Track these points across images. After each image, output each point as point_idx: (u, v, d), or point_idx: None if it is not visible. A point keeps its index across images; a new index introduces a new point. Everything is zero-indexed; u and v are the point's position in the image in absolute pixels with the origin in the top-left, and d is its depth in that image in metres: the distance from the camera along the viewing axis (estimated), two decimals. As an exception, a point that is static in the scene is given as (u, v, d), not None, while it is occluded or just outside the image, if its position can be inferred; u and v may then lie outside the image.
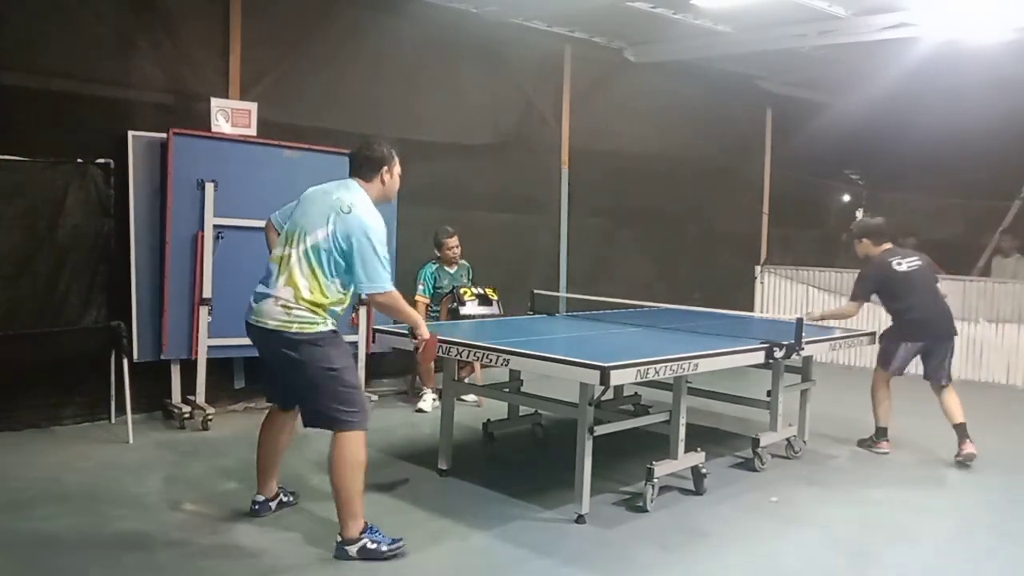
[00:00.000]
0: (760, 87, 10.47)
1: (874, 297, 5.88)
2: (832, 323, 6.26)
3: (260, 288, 3.80)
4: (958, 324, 5.89)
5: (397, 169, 3.95)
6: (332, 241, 3.69)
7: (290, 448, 4.23)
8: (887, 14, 7.10)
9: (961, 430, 5.58)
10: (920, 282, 5.72)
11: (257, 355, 4.05)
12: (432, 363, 4.27)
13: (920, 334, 5.68)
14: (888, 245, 5.83)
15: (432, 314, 6.85)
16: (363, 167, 3.87)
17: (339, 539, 3.71)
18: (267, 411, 4.19)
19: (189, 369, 6.03)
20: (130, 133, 5.87)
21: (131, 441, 5.44)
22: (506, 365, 4.42)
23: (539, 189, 8.93)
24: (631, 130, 9.67)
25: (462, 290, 6.70)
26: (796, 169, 11.50)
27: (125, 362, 5.56)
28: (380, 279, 3.70)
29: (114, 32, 5.99)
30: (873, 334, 5.99)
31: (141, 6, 6.11)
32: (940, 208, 11.76)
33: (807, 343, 5.04)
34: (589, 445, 4.22)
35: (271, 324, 3.71)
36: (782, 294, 10.45)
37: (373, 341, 6.36)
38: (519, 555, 3.88)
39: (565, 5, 7.58)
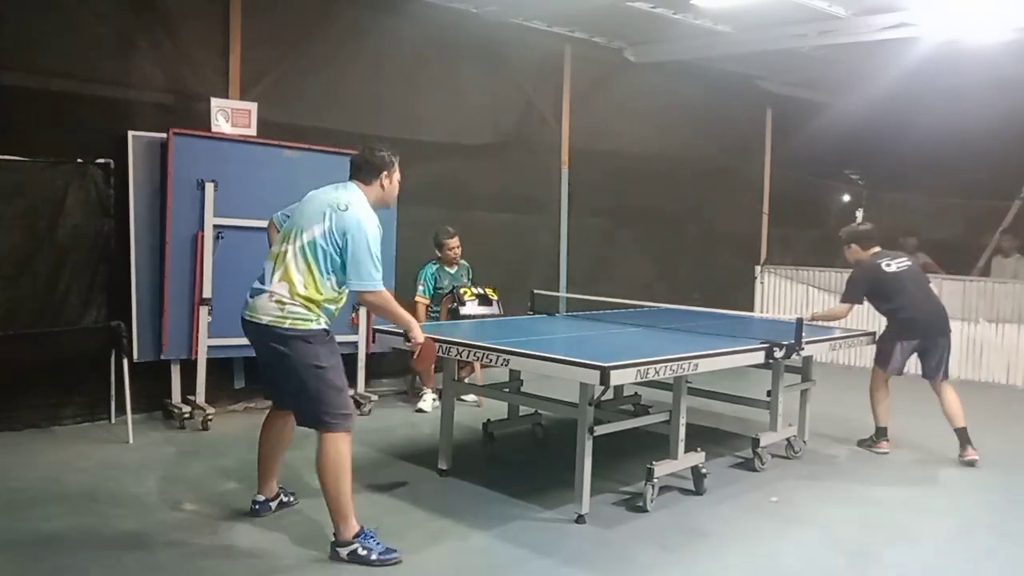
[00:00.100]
0: (760, 87, 10.47)
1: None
2: (831, 323, 6.26)
3: (256, 284, 3.82)
4: (958, 324, 5.93)
5: (397, 175, 3.96)
6: (328, 237, 3.69)
7: (290, 448, 4.23)
8: (887, 14, 7.10)
9: (963, 435, 5.60)
10: (910, 282, 5.76)
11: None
12: (432, 364, 4.26)
13: (914, 332, 5.71)
14: (876, 249, 5.89)
15: (432, 314, 6.85)
16: (363, 170, 3.89)
17: (333, 540, 3.72)
18: (267, 411, 4.19)
19: (189, 369, 6.03)
20: (130, 133, 5.87)
21: (131, 441, 5.44)
22: (506, 365, 4.42)
23: (539, 189, 8.93)
24: (631, 130, 9.67)
25: (462, 290, 6.70)
26: (796, 169, 11.50)
27: (125, 362, 5.56)
28: (371, 278, 3.70)
29: (114, 32, 5.99)
30: (873, 334, 6.00)
31: (141, 6, 6.11)
32: (940, 208, 11.75)
33: (807, 343, 5.04)
34: (589, 445, 4.22)
35: (265, 319, 3.71)
36: (782, 294, 10.45)
37: (373, 341, 6.37)
38: (519, 555, 3.88)
39: (565, 5, 7.58)
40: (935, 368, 5.71)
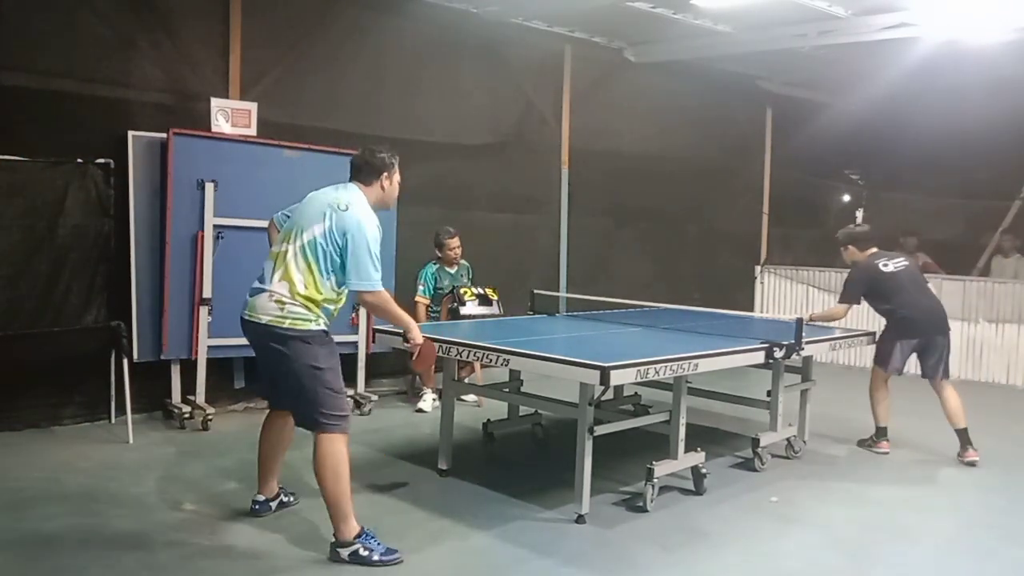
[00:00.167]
0: (760, 87, 10.47)
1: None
2: (830, 324, 6.26)
3: (255, 284, 3.82)
4: (958, 324, 5.93)
5: (397, 177, 3.97)
6: (328, 237, 3.70)
7: (290, 448, 4.23)
8: (887, 14, 7.10)
9: (963, 436, 5.61)
10: (908, 281, 5.78)
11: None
12: (431, 365, 4.26)
13: (913, 331, 5.72)
14: (874, 250, 5.91)
15: (432, 314, 6.85)
16: (363, 172, 3.90)
17: (333, 540, 3.71)
18: (267, 411, 4.19)
19: (189, 369, 6.03)
20: (130, 133, 5.87)
21: (131, 441, 5.44)
22: (506, 365, 4.42)
23: (539, 189, 8.93)
24: (631, 130, 9.67)
25: (462, 290, 6.70)
26: (796, 169, 11.49)
27: (125, 362, 5.56)
28: (370, 278, 3.71)
29: (114, 32, 5.99)
30: (872, 334, 6.00)
31: (141, 6, 6.11)
32: (940, 208, 11.75)
33: (807, 343, 5.04)
34: (589, 445, 4.22)
35: (264, 319, 3.71)
36: (782, 294, 10.45)
37: (373, 341, 6.37)
38: (519, 555, 3.88)
39: (565, 5, 7.58)
40: (934, 367, 5.71)
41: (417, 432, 6.04)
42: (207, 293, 5.94)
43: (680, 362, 4.30)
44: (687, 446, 4.76)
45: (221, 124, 6.10)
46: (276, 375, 3.82)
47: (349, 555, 3.66)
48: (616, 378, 3.93)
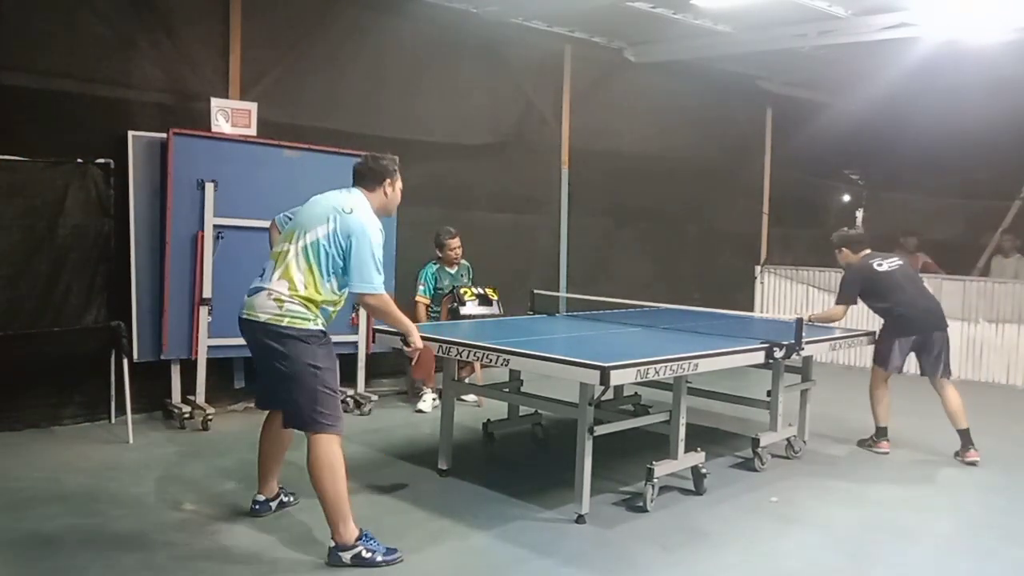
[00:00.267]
0: (760, 87, 10.47)
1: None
2: (830, 324, 6.27)
3: (255, 283, 3.82)
4: (958, 324, 5.94)
5: (399, 184, 4.00)
6: (332, 239, 3.70)
7: (291, 448, 4.23)
8: (887, 14, 7.11)
9: (965, 437, 5.61)
10: (903, 279, 5.82)
11: (255, 355, 4.05)
12: (430, 373, 4.26)
13: (911, 329, 5.73)
14: (867, 251, 5.95)
15: (432, 314, 6.85)
16: (367, 178, 3.93)
17: (332, 544, 3.69)
18: (267, 411, 4.18)
19: (189, 369, 6.03)
20: (130, 133, 5.87)
21: (131, 441, 5.44)
22: (506, 365, 4.42)
23: (539, 189, 8.93)
24: (631, 130, 9.67)
25: (462, 290, 6.70)
26: (796, 169, 11.50)
27: (125, 362, 5.56)
28: (373, 281, 3.72)
29: (114, 32, 5.99)
30: (872, 334, 6.01)
31: (141, 6, 6.11)
32: (940, 208, 11.75)
33: (807, 343, 5.04)
34: (589, 445, 4.22)
35: (262, 317, 3.71)
36: (782, 294, 10.45)
37: (373, 341, 6.37)
38: (519, 555, 3.88)
39: (565, 5, 7.58)
40: (934, 364, 5.71)
41: (417, 432, 6.04)
42: (207, 293, 5.94)
43: (680, 362, 4.30)
44: (687, 446, 4.76)
45: (221, 124, 6.10)
46: (273, 374, 3.81)
47: (351, 558, 3.65)
48: (616, 378, 3.93)
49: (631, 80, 9.43)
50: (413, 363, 4.09)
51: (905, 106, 10.26)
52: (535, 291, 6.48)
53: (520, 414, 5.73)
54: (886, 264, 5.84)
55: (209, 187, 5.91)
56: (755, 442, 5.28)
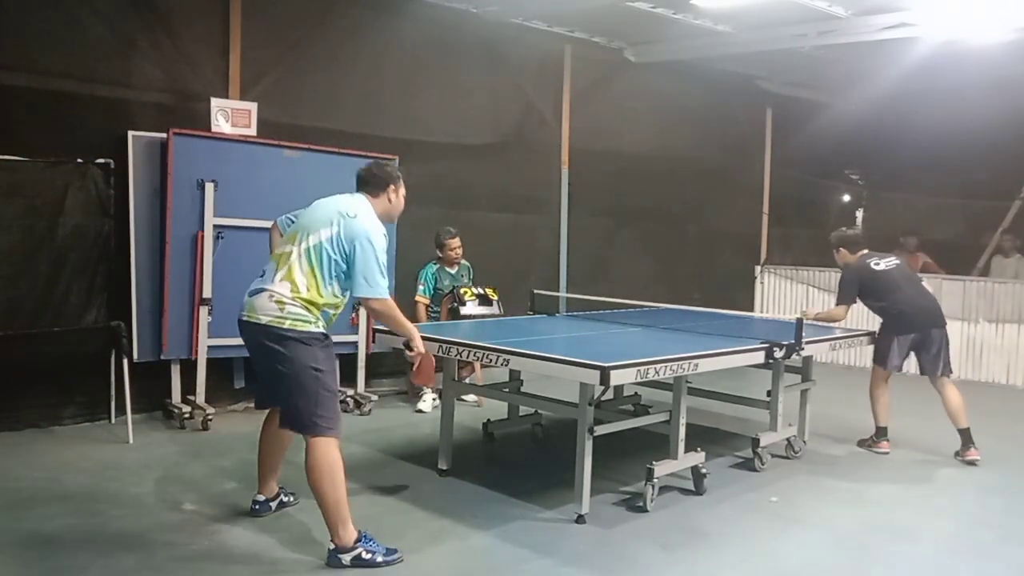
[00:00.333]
0: (760, 87, 10.47)
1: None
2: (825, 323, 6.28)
3: (255, 285, 3.81)
4: (958, 324, 5.93)
5: (402, 191, 4.03)
6: (335, 242, 3.71)
7: (290, 448, 4.23)
8: (887, 14, 7.10)
9: (966, 436, 5.62)
10: (900, 278, 5.84)
11: (255, 356, 4.04)
12: (431, 379, 4.26)
13: (909, 326, 5.74)
14: (865, 251, 5.97)
15: (432, 314, 6.85)
16: (371, 184, 3.95)
17: (332, 546, 3.68)
18: (267, 411, 4.18)
19: (189, 369, 6.03)
20: (130, 133, 5.87)
21: (131, 441, 5.44)
22: (506, 365, 4.42)
23: (539, 189, 8.93)
24: (631, 130, 9.67)
25: (462, 290, 6.70)
26: (796, 169, 11.50)
27: (125, 362, 5.56)
28: (378, 285, 3.73)
29: (114, 32, 5.99)
30: (872, 334, 6.01)
31: (141, 6, 6.11)
32: (940, 208, 11.76)
33: (807, 343, 5.04)
34: (589, 445, 4.22)
35: (263, 319, 3.70)
36: (782, 294, 10.45)
37: (373, 341, 6.37)
38: (519, 555, 3.88)
39: (565, 5, 7.58)
40: (933, 362, 5.72)
41: (417, 432, 6.04)
42: (207, 293, 5.94)
43: (680, 362, 4.30)
44: (687, 446, 4.76)
45: (221, 124, 6.10)
46: (273, 376, 3.80)
47: (351, 560, 3.64)
48: (616, 378, 3.93)
49: (631, 80, 9.43)
50: (415, 368, 4.09)
51: (905, 106, 10.26)
52: (535, 291, 6.48)
53: (520, 414, 5.73)
54: (883, 263, 5.86)
55: (209, 187, 5.91)
56: (755, 442, 5.28)
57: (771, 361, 4.88)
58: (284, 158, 6.28)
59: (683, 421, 4.71)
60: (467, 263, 7.12)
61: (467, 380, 6.50)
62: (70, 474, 4.77)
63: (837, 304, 5.92)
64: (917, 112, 10.13)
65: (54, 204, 5.66)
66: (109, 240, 5.89)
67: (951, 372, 5.79)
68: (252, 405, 6.24)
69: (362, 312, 6.56)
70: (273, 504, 4.24)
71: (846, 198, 13.04)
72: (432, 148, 7.84)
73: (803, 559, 3.98)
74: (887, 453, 5.81)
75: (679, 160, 10.12)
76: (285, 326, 3.67)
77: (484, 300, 6.69)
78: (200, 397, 5.99)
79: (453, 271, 6.99)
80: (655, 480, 4.50)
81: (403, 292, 6.66)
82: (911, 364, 5.95)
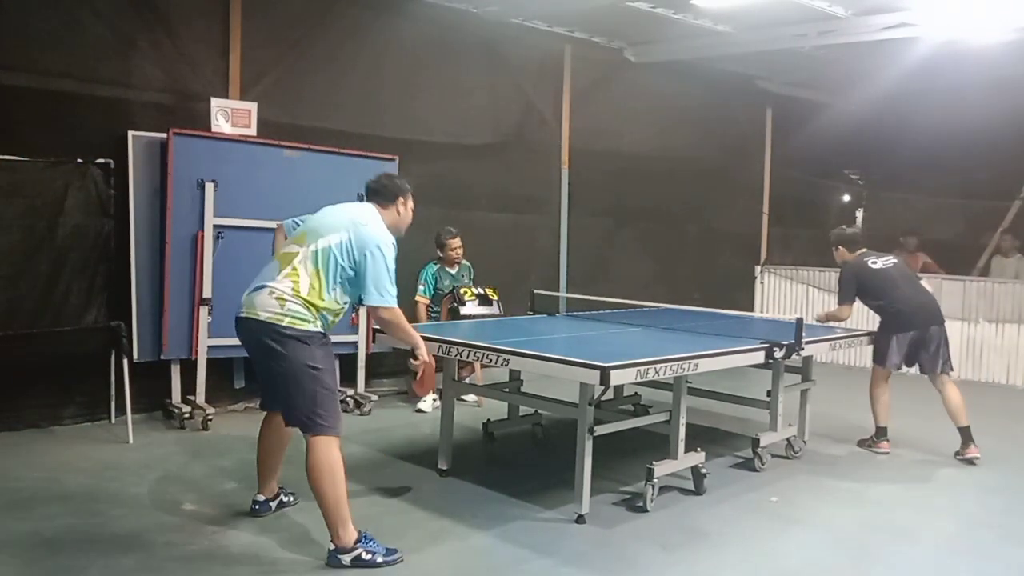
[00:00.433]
0: (760, 87, 10.47)
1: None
2: (832, 323, 6.29)
3: (255, 283, 3.81)
4: (958, 324, 5.93)
5: (411, 204, 4.08)
6: (344, 249, 3.72)
7: (290, 448, 4.23)
8: (887, 14, 7.10)
9: (966, 434, 5.62)
10: (898, 276, 5.86)
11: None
12: (432, 387, 4.27)
13: (907, 324, 5.74)
14: (863, 250, 5.99)
15: (432, 314, 6.85)
16: (380, 195, 3.99)
17: (332, 547, 3.67)
18: (266, 412, 4.19)
19: (189, 369, 6.03)
20: (130, 133, 5.87)
21: (131, 441, 5.45)
22: (506, 365, 4.42)
23: (539, 189, 8.93)
24: (631, 130, 9.67)
25: (462, 290, 6.70)
26: (796, 169, 11.50)
27: (125, 362, 5.56)
28: (388, 294, 3.75)
29: (114, 32, 5.99)
30: (872, 334, 6.01)
31: (141, 6, 6.11)
32: (940, 208, 11.75)
33: (807, 343, 5.04)
34: (589, 445, 4.22)
35: (262, 316, 3.69)
36: (782, 294, 10.45)
37: (373, 341, 6.37)
38: (519, 555, 3.88)
39: (565, 5, 7.58)
40: (932, 360, 5.72)
41: (417, 432, 6.04)
42: (207, 293, 5.94)
43: (680, 362, 4.30)
44: (687, 446, 4.76)
45: (221, 124, 6.11)
46: (270, 374, 3.80)
47: (351, 560, 3.64)
48: (616, 378, 3.93)
49: (631, 80, 9.43)
50: (418, 377, 4.10)
51: (905, 106, 10.26)
52: (535, 291, 6.49)
53: (520, 414, 5.73)
54: (880, 262, 5.88)
55: (209, 187, 5.91)
56: (755, 442, 5.28)
57: (771, 361, 4.88)
58: (284, 158, 6.28)
59: (683, 421, 4.71)
60: (467, 263, 7.12)
61: (467, 380, 6.50)
62: (70, 474, 4.77)
63: (840, 304, 5.94)
64: (917, 112, 10.13)
65: (54, 204, 5.66)
66: (109, 240, 5.89)
67: (952, 369, 5.80)
68: (252, 405, 6.30)
69: (362, 312, 6.56)
70: (273, 504, 4.24)
71: (846, 198, 13.04)
72: (432, 148, 7.84)
73: (803, 559, 3.98)
74: (887, 453, 5.81)
75: (679, 160, 10.12)
76: (284, 323, 3.67)
77: (484, 300, 6.69)
78: (200, 397, 5.99)
79: (453, 271, 6.99)
80: (655, 480, 4.50)
81: (404, 292, 6.60)
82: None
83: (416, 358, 4.03)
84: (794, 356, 5.04)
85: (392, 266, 3.76)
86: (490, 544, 4.03)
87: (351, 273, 3.74)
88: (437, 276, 6.93)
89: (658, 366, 4.11)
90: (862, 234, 6.18)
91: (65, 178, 5.69)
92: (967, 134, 9.62)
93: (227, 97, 6.41)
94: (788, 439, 5.58)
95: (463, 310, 6.54)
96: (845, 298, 5.89)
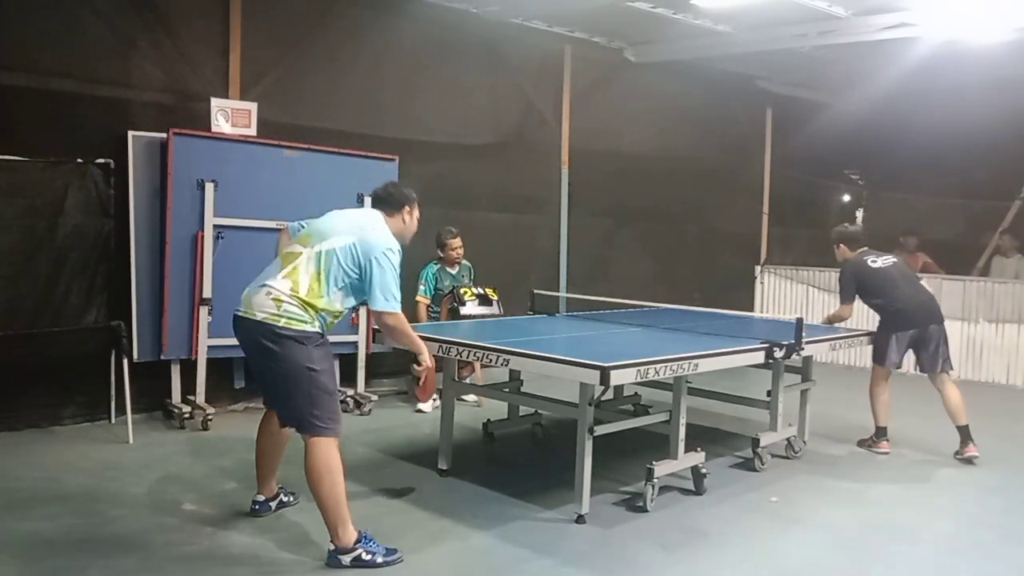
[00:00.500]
0: (760, 87, 10.47)
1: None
2: (837, 323, 6.30)
3: (256, 281, 3.81)
4: (958, 324, 5.94)
5: (417, 213, 4.10)
6: (349, 253, 3.72)
7: (290, 448, 4.22)
8: (887, 14, 7.10)
9: (965, 433, 5.62)
10: (897, 275, 5.87)
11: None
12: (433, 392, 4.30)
13: (906, 323, 5.75)
14: (864, 248, 6.01)
15: (432, 314, 6.85)
16: (387, 203, 4.01)
17: (332, 547, 3.67)
18: (264, 411, 4.18)
19: (189, 369, 6.03)
20: (130, 133, 5.87)
21: (131, 441, 5.45)
22: (506, 365, 4.42)
23: (539, 189, 8.93)
24: (631, 130, 9.67)
25: (462, 290, 6.70)
26: (796, 169, 11.50)
27: (125, 362, 5.56)
28: (393, 300, 3.77)
29: (114, 32, 5.99)
30: (872, 333, 6.01)
31: (141, 6, 6.11)
32: (940, 208, 11.75)
33: (807, 343, 5.04)
34: (589, 445, 4.22)
35: (259, 316, 3.68)
36: (782, 294, 10.45)
37: (373, 341, 6.38)
38: (519, 555, 3.88)
39: (565, 5, 7.58)
40: (932, 359, 5.73)
41: (417, 432, 6.04)
42: (207, 293, 5.94)
43: (680, 362, 4.30)
44: (687, 446, 4.76)
45: (221, 124, 6.11)
46: (267, 375, 3.80)
47: (351, 560, 3.63)
48: (616, 378, 3.93)
49: (631, 80, 9.43)
50: (421, 383, 4.12)
51: (905, 106, 10.26)
52: (535, 291, 6.49)
53: (520, 414, 5.73)
54: (880, 261, 5.89)
55: (209, 187, 5.91)
56: (755, 442, 5.28)
57: (771, 361, 4.88)
58: (284, 158, 6.28)
59: (683, 421, 4.71)
60: (468, 264, 7.12)
61: (467, 380, 6.50)
62: (70, 474, 4.77)
63: (841, 303, 5.96)
64: (917, 112, 10.13)
65: (54, 204, 5.66)
66: (109, 240, 5.89)
67: (951, 368, 5.81)
68: (252, 405, 6.30)
69: (362, 312, 6.56)
70: (273, 504, 4.24)
71: (846, 198, 13.04)
72: (432, 148, 7.84)
73: (803, 559, 3.98)
74: (887, 453, 5.81)
75: (679, 160, 10.13)
76: (280, 324, 3.66)
77: (484, 300, 6.69)
78: (200, 397, 5.99)
79: (454, 271, 6.99)
80: (655, 480, 4.50)
81: (405, 293, 6.62)
82: (910, 363, 5.95)
83: (419, 364, 4.05)
84: (794, 356, 5.04)
85: (398, 272, 3.78)
86: (490, 544, 4.03)
87: (355, 278, 3.75)
88: (437, 276, 6.92)
89: (658, 366, 4.11)
90: (863, 233, 6.20)
91: (65, 178, 5.69)
92: (967, 134, 9.62)
93: (227, 97, 6.41)
94: (788, 439, 5.58)
95: (463, 310, 6.54)
96: (846, 297, 5.91)
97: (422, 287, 6.88)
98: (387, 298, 3.74)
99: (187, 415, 5.86)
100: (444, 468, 4.98)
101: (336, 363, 6.55)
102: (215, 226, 5.96)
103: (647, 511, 4.44)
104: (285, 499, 4.30)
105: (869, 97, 9.85)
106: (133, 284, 5.90)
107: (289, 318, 3.66)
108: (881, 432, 5.88)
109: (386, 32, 7.47)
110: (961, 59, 8.04)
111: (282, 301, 3.67)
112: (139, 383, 5.74)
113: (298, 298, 3.68)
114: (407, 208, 4.03)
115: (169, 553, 3.75)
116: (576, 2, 7.44)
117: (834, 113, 10.49)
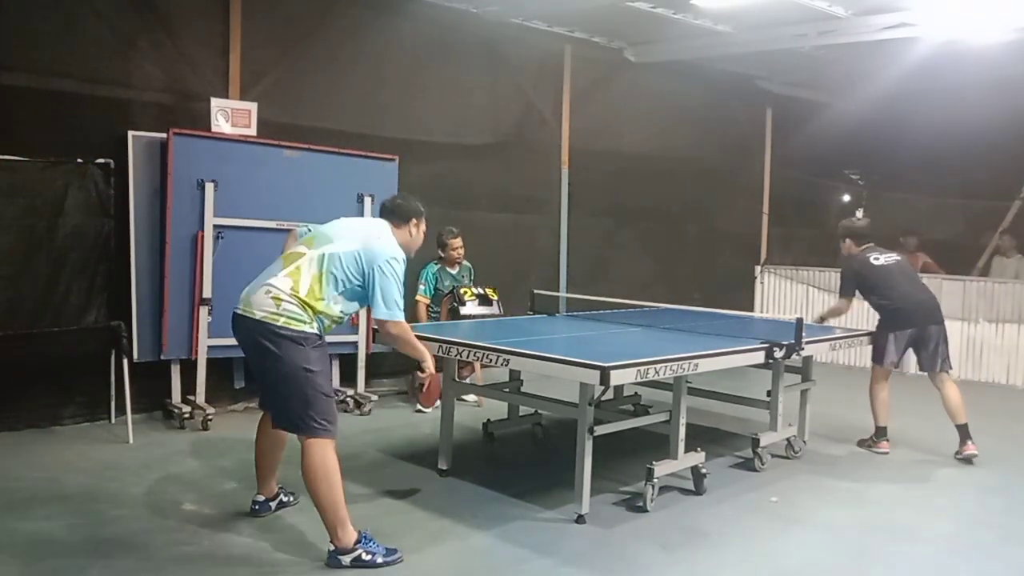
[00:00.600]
0: (760, 87, 10.47)
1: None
2: (832, 322, 6.30)
3: (255, 281, 3.81)
4: (958, 324, 5.94)
5: (423, 227, 4.13)
6: (353, 259, 3.74)
7: (289, 448, 4.22)
8: (887, 14, 7.10)
9: (963, 431, 5.63)
10: (899, 273, 5.87)
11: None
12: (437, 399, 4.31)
13: (906, 322, 5.75)
14: (869, 244, 6.00)
15: (432, 314, 6.85)
16: (395, 214, 4.04)
17: (331, 548, 3.67)
18: (263, 411, 4.18)
19: (189, 369, 6.03)
20: (130, 133, 5.87)
21: (131, 441, 5.45)
22: (506, 365, 4.42)
23: (539, 189, 8.93)
24: (631, 130, 9.67)
25: (462, 290, 6.70)
26: (796, 169, 11.50)
27: (125, 362, 5.56)
28: (397, 308, 3.79)
29: (114, 32, 5.99)
30: (871, 333, 6.01)
31: (141, 6, 6.11)
32: (940, 208, 11.76)
33: (807, 343, 5.04)
34: (589, 445, 4.22)
35: (258, 315, 3.68)
36: (782, 294, 10.45)
37: (373, 341, 6.37)
38: (519, 555, 3.88)
39: (565, 5, 7.58)
40: (931, 358, 5.73)
41: (417, 432, 6.04)
42: (207, 293, 5.94)
43: (680, 362, 4.30)
44: (687, 446, 4.76)
45: (221, 124, 6.10)
46: (265, 374, 3.80)
47: (351, 561, 3.63)
48: (616, 378, 3.93)
49: (631, 80, 9.43)
50: (424, 389, 4.12)
51: (905, 106, 10.26)
52: (535, 291, 6.48)
53: (520, 414, 5.73)
54: (883, 258, 5.89)
55: (209, 187, 5.91)
56: (755, 442, 5.28)
57: (771, 361, 4.88)
58: (284, 158, 6.28)
59: (683, 421, 4.71)
60: (468, 264, 7.12)
61: (467, 380, 6.50)
62: (70, 474, 4.77)
63: (840, 297, 5.97)
64: (917, 112, 10.13)
65: (54, 204, 5.66)
66: (109, 240, 5.89)
67: (951, 368, 5.80)
68: (252, 405, 6.30)
69: (362, 312, 6.55)
70: (273, 504, 4.24)
71: (846, 198, 13.04)
72: (432, 148, 7.84)
73: (803, 559, 3.98)
74: (887, 453, 5.81)
75: (679, 160, 10.12)
76: (279, 323, 3.66)
77: (484, 300, 6.69)
78: (200, 397, 5.99)
79: (454, 271, 6.99)
80: (655, 480, 4.50)
81: (406, 295, 6.64)
82: (910, 363, 5.95)
83: (423, 371, 4.06)
84: (794, 356, 5.04)
85: (401, 281, 3.80)
86: (490, 544, 4.03)
87: (356, 284, 3.76)
88: (437, 276, 6.93)
89: (658, 366, 4.11)
90: (871, 228, 6.16)
91: (65, 178, 5.69)
92: (967, 134, 9.62)
93: (227, 97, 6.41)
94: (788, 439, 5.58)
95: (463, 310, 6.54)
96: (845, 292, 5.94)
97: (422, 287, 6.89)
98: (390, 307, 3.76)
99: (187, 415, 5.86)
100: (444, 468, 4.98)
101: (335, 363, 6.59)
102: (215, 226, 5.96)
103: (647, 511, 4.44)
104: (285, 499, 4.30)
105: (869, 97, 9.85)
106: (133, 284, 5.90)
107: (288, 318, 3.66)
108: (881, 432, 5.88)
109: (386, 32, 7.47)
110: (961, 59, 8.04)
111: (281, 300, 3.67)
112: (139, 383, 5.74)
113: (298, 298, 3.68)
114: (415, 221, 4.06)
115: (169, 553, 3.75)
116: (576, 2, 7.44)
117: (834, 113, 10.49)
